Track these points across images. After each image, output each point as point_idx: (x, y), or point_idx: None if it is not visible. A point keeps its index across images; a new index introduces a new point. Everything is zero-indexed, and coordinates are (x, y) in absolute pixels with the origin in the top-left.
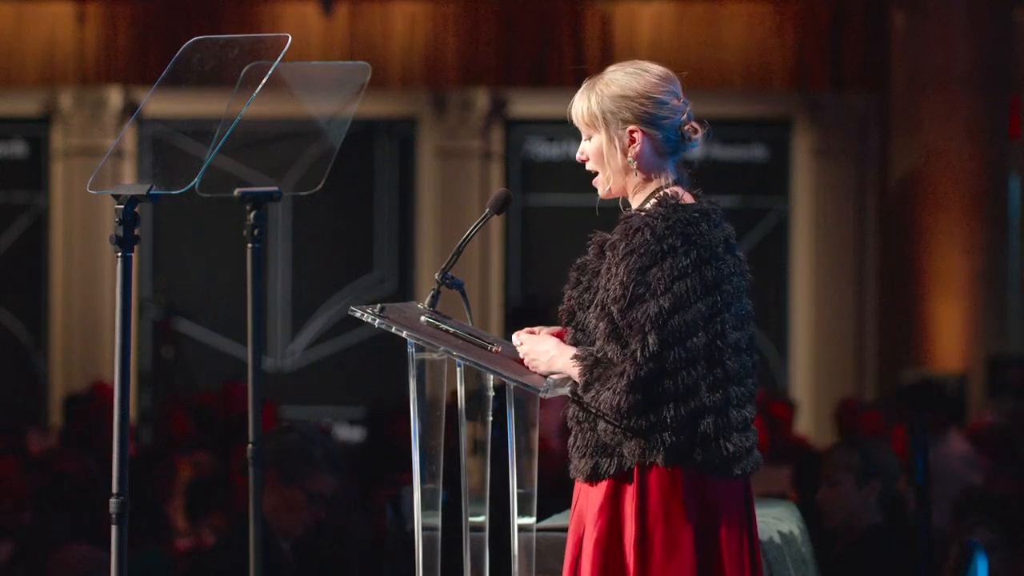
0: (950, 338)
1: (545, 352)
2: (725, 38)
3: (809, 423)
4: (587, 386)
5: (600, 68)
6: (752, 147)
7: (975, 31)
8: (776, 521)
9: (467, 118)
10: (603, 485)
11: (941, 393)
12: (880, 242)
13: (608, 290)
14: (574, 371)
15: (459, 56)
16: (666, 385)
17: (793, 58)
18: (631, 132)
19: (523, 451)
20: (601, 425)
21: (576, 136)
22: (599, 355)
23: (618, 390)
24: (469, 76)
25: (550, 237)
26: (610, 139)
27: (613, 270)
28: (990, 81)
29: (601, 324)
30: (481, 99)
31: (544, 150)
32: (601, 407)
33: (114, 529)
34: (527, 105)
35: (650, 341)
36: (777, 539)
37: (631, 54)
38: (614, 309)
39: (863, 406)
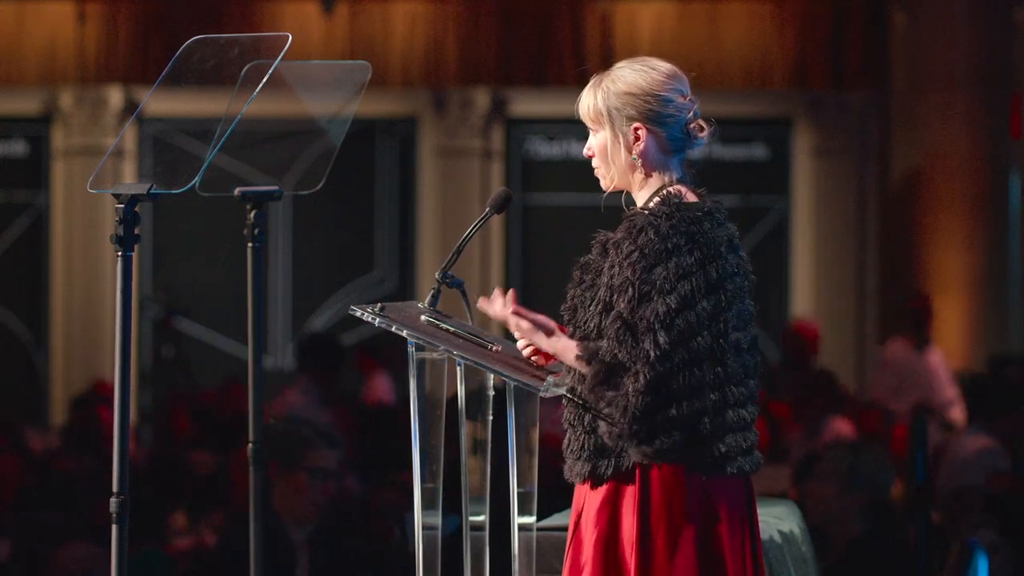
0: (950, 337)
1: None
2: (725, 37)
3: None
4: (595, 386)
5: (601, 68)
6: (752, 146)
7: (975, 31)
8: (776, 521)
9: (467, 117)
10: (603, 485)
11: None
12: (880, 241)
13: (611, 288)
14: (578, 366)
15: (459, 56)
16: (672, 385)
17: (793, 57)
18: (635, 129)
19: (523, 450)
20: (602, 427)
21: (578, 135)
22: (606, 357)
23: (632, 392)
24: (469, 75)
25: (550, 237)
26: (614, 136)
27: (617, 269)
28: (990, 81)
29: (605, 323)
30: (481, 98)
31: (544, 149)
32: (610, 408)
33: (114, 529)
34: (527, 104)
35: (660, 340)
36: (777, 539)
37: (631, 53)
38: (624, 308)
39: (863, 404)
